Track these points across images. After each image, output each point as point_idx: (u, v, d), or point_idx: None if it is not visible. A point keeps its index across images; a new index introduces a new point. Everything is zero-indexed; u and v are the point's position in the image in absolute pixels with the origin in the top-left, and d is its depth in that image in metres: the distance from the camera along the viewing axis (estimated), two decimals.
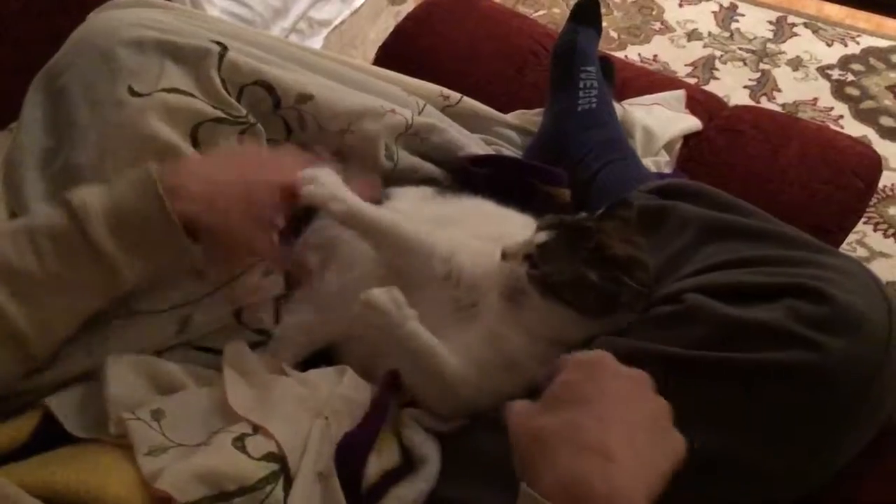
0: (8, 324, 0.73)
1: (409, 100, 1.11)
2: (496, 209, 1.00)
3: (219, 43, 0.95)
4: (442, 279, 0.88)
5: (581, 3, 1.23)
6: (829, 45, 2.28)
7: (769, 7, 2.41)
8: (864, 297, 0.71)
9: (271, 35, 1.28)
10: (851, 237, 1.45)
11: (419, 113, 1.09)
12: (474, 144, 1.14)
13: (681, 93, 1.33)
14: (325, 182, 0.88)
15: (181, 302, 0.88)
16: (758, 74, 2.19)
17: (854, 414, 0.70)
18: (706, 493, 0.71)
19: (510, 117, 1.25)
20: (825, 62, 2.23)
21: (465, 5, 1.46)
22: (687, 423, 0.60)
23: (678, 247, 0.87)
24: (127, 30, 0.92)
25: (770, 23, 2.36)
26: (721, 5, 2.40)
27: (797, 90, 2.15)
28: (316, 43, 1.91)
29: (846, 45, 2.28)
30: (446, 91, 1.17)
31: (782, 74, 2.20)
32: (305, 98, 0.99)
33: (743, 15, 2.38)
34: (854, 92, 2.14)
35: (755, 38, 2.31)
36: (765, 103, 2.10)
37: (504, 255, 0.85)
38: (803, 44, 2.29)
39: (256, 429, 0.74)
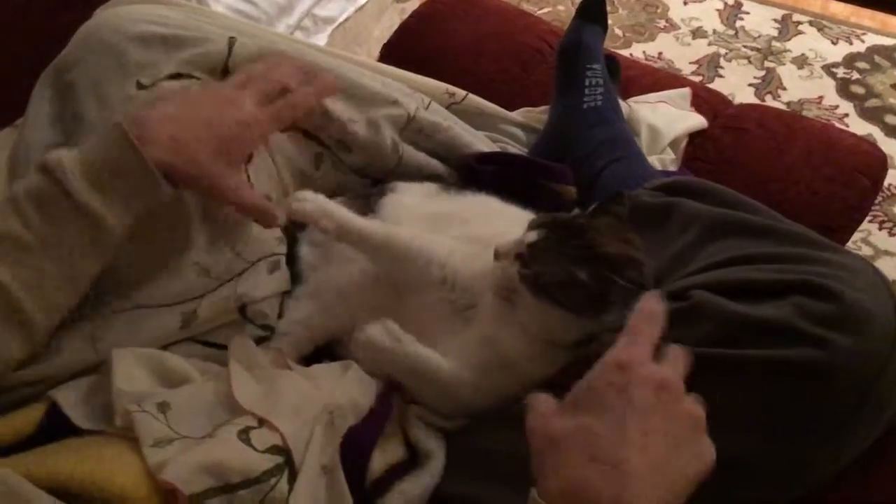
0: (4, 294, 0.73)
1: (415, 96, 1.11)
2: (501, 206, 1.00)
3: (225, 37, 0.95)
4: (439, 283, 0.89)
5: (587, 1, 1.23)
6: (834, 44, 2.28)
7: (774, 5, 2.40)
8: (871, 295, 0.71)
9: (277, 31, 1.28)
10: (856, 235, 1.44)
11: (425, 109, 1.09)
12: (479, 142, 1.14)
13: (686, 91, 1.33)
14: (314, 199, 0.91)
15: (186, 297, 0.88)
16: (762, 72, 2.19)
17: (861, 411, 0.70)
18: (711, 491, 0.71)
19: (515, 115, 1.25)
20: (830, 60, 2.22)
21: (470, 3, 1.47)
22: None
23: (684, 244, 0.87)
24: (134, 25, 0.92)
25: (775, 21, 2.35)
26: (726, 3, 2.40)
27: (802, 88, 2.15)
28: (320, 40, 1.92)
29: (851, 44, 2.28)
30: (451, 88, 1.17)
31: (787, 72, 2.19)
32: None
33: (748, 13, 2.38)
34: (859, 90, 2.14)
35: (760, 35, 2.30)
36: (770, 101, 2.10)
37: (497, 255, 0.85)
38: (808, 42, 2.29)
39: (261, 422, 0.74)
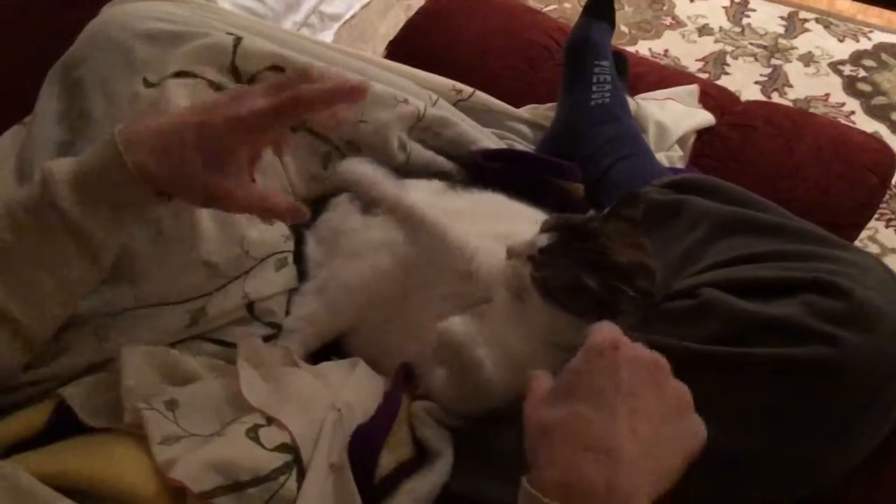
0: None
1: (422, 93, 1.11)
2: (508, 204, 1.00)
3: (231, 34, 0.95)
4: (461, 276, 0.88)
5: None
6: (840, 41, 2.27)
7: (780, 2, 2.40)
8: (881, 292, 0.71)
9: (284, 29, 1.28)
10: (863, 233, 1.43)
11: (432, 105, 1.09)
12: (486, 139, 1.14)
13: (694, 88, 1.33)
14: (372, 167, 0.88)
15: (193, 294, 0.88)
16: (769, 70, 2.18)
17: (871, 409, 0.69)
18: (719, 488, 0.71)
19: (522, 112, 1.24)
20: (837, 58, 2.21)
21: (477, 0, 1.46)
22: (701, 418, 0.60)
23: (693, 241, 0.86)
24: (141, 22, 0.92)
25: (781, 18, 2.35)
26: (732, 0, 2.39)
27: (809, 86, 2.14)
28: (326, 37, 1.91)
29: (858, 41, 2.27)
30: (458, 85, 1.17)
31: (794, 70, 2.18)
32: None
33: (754, 10, 2.37)
34: (866, 88, 2.13)
35: (766, 33, 2.30)
36: (776, 99, 2.09)
37: (509, 254, 0.85)
38: (815, 39, 2.28)
39: (270, 420, 0.74)
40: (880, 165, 1.20)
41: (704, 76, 2.09)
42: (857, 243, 1.26)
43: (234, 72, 0.95)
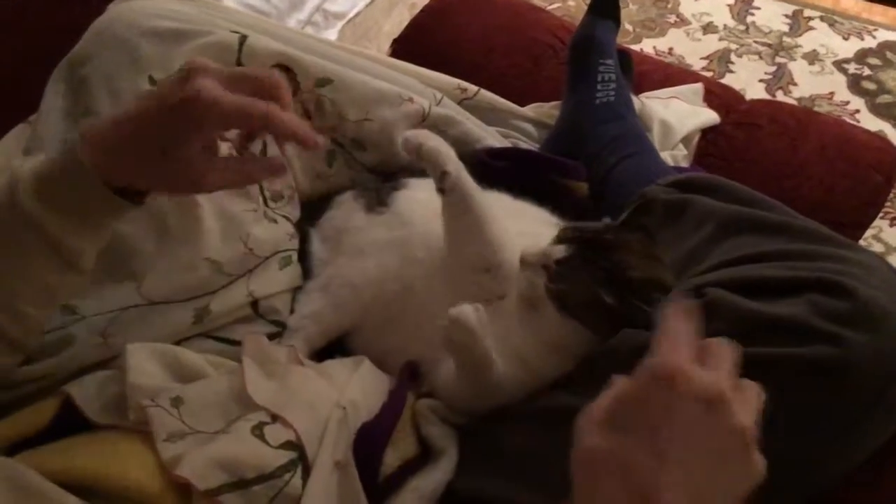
0: None
1: (426, 91, 1.11)
2: (513, 202, 1.00)
3: (236, 32, 0.95)
4: (483, 270, 0.88)
5: None
6: (845, 39, 2.27)
7: (785, 0, 2.39)
8: (886, 292, 0.70)
9: (289, 27, 1.28)
10: (868, 232, 1.43)
11: (437, 104, 1.09)
12: (491, 137, 1.14)
13: (698, 86, 1.32)
14: (441, 143, 0.86)
15: (198, 292, 0.89)
16: (774, 68, 2.18)
17: (875, 409, 0.69)
18: None
19: (527, 110, 1.24)
20: (841, 56, 2.21)
21: None
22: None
23: (698, 241, 0.86)
24: (147, 20, 0.92)
25: (786, 16, 2.34)
26: None
27: (813, 84, 2.13)
28: (331, 35, 1.92)
29: (862, 39, 2.26)
30: (463, 84, 1.17)
31: (798, 68, 2.18)
32: (324, 82, 0.99)
33: (759, 8, 2.36)
34: (870, 86, 2.13)
35: (771, 31, 2.29)
36: (781, 97, 2.08)
37: (523, 263, 0.84)
38: (819, 37, 2.27)
39: (275, 417, 0.75)
40: (885, 164, 1.20)
41: (709, 74, 2.09)
42: (861, 242, 1.26)
43: None
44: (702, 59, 2.20)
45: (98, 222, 0.72)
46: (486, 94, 1.19)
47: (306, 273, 0.98)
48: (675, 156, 1.21)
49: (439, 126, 1.08)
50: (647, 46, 2.23)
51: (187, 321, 0.87)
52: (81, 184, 0.68)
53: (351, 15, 1.99)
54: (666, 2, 2.38)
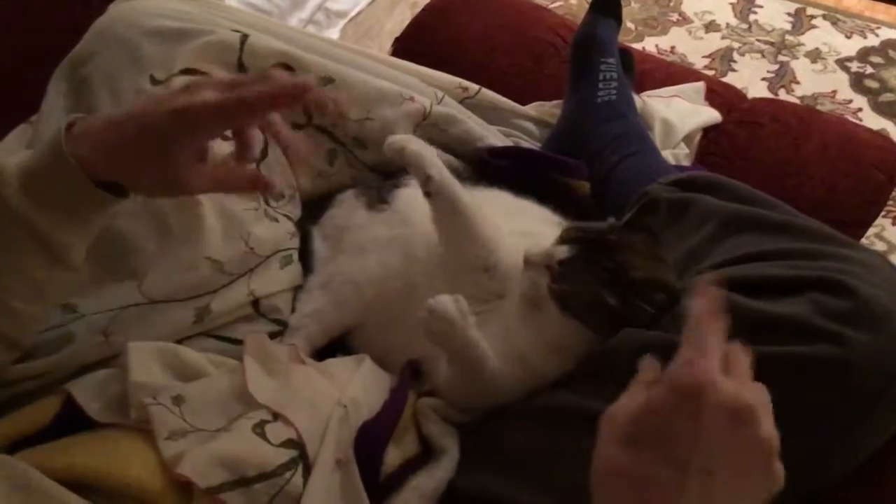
0: None
1: (428, 90, 1.11)
2: (515, 201, 1.00)
3: (238, 31, 0.95)
4: (481, 268, 0.88)
5: None
6: (847, 37, 2.26)
7: None
8: (887, 291, 0.70)
9: (290, 26, 1.28)
10: (870, 231, 1.43)
11: (438, 103, 1.09)
12: (493, 136, 1.14)
13: (700, 85, 1.32)
14: (424, 147, 0.88)
15: (199, 291, 0.89)
16: (776, 66, 2.17)
17: (877, 408, 0.69)
18: None
19: (529, 109, 1.24)
20: (844, 54, 2.21)
21: None
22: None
23: (699, 240, 0.86)
24: (149, 20, 0.93)
25: (788, 14, 2.34)
26: None
27: (816, 82, 2.13)
28: (332, 34, 1.92)
29: (865, 37, 2.26)
30: (465, 82, 1.17)
31: (801, 66, 2.18)
32: (326, 81, 1.00)
33: (761, 6, 2.36)
34: (873, 84, 2.12)
35: (773, 29, 2.29)
36: (783, 95, 2.08)
37: (526, 263, 0.84)
38: (822, 36, 2.27)
39: (276, 416, 0.75)
40: (887, 163, 1.20)
41: (711, 73, 2.09)
42: (863, 241, 1.26)
43: (241, 69, 0.96)
44: (704, 57, 2.20)
45: (84, 217, 0.72)
46: (488, 93, 1.19)
47: (307, 271, 0.98)
48: (676, 154, 1.21)
49: (440, 125, 1.08)
50: (650, 45, 2.23)
51: (188, 320, 0.87)
52: (66, 178, 0.68)
53: (353, 14, 1.99)
54: (668, 0, 2.38)
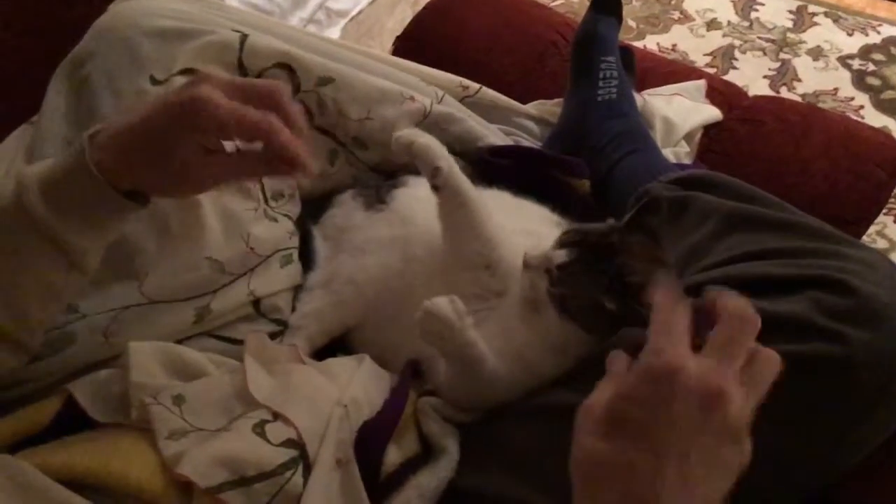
0: None
1: (428, 89, 1.11)
2: (515, 200, 1.00)
3: (238, 31, 0.95)
4: (483, 267, 0.88)
5: None
6: (849, 35, 2.26)
7: None
8: (888, 289, 0.70)
9: (291, 25, 1.28)
10: (871, 228, 1.43)
11: (438, 102, 1.09)
12: (493, 135, 1.13)
13: (701, 83, 1.32)
14: (432, 140, 0.88)
15: (199, 291, 0.89)
16: (778, 64, 2.17)
17: (877, 406, 0.69)
18: None
19: (529, 108, 1.24)
20: (846, 52, 2.20)
21: None
22: None
23: (699, 238, 0.86)
24: (149, 19, 0.92)
25: (790, 12, 2.34)
26: None
27: (817, 80, 2.13)
28: (333, 33, 1.92)
29: (867, 35, 2.26)
30: (465, 81, 1.17)
31: (802, 64, 2.17)
32: (326, 81, 0.99)
33: (762, 4, 2.36)
34: (875, 82, 2.12)
35: (775, 27, 2.29)
36: (785, 93, 2.08)
37: (525, 265, 0.84)
38: (824, 33, 2.27)
39: (276, 415, 0.75)
40: (889, 160, 1.19)
41: (713, 71, 2.08)
42: (865, 239, 1.26)
43: (241, 68, 0.96)
44: (705, 55, 2.20)
45: (103, 224, 0.72)
46: (488, 92, 1.19)
47: (307, 271, 0.98)
48: (677, 153, 1.21)
49: (441, 124, 1.08)
50: (651, 43, 2.23)
51: (188, 320, 0.88)
52: (88, 187, 0.68)
53: (354, 13, 1.99)
54: None
